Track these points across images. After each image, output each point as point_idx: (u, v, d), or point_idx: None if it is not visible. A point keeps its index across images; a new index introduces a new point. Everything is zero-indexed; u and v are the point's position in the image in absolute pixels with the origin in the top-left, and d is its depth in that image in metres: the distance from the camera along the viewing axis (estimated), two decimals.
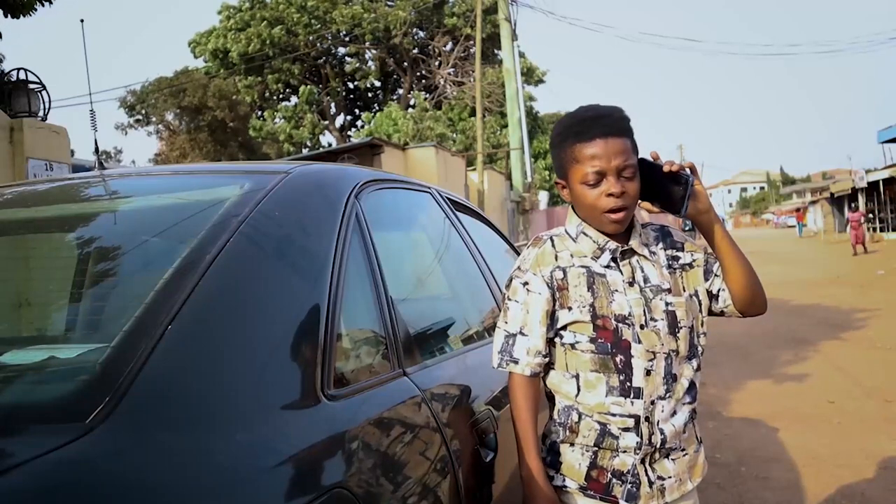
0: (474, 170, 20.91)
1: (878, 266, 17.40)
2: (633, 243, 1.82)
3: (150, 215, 1.78)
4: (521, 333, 1.79)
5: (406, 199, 2.37)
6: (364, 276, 1.71)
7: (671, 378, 1.78)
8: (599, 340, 1.76)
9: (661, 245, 1.88)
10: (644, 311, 1.77)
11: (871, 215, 33.57)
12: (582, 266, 1.79)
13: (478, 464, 1.76)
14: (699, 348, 1.87)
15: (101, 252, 1.70)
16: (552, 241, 1.85)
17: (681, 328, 1.80)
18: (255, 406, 1.20)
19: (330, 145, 29.75)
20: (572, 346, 1.78)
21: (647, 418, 1.75)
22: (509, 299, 1.83)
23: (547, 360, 1.80)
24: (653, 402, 1.75)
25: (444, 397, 1.75)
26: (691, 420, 1.85)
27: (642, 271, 1.81)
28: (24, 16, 6.86)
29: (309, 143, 30.72)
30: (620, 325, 1.76)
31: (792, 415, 5.65)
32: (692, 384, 1.85)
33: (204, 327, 1.21)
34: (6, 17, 6.74)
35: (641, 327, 1.76)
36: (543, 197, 27.42)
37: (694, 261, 1.89)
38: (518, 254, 3.30)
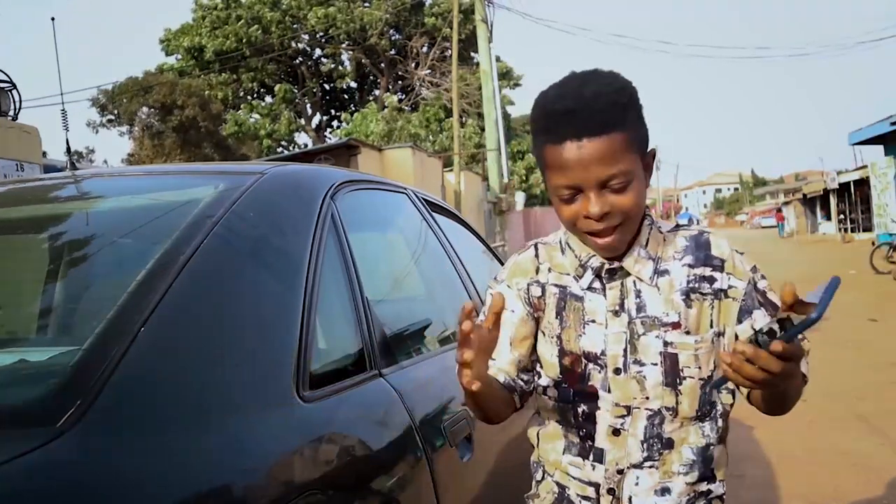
0: (451, 171, 20.92)
1: (849, 266, 17.63)
2: (628, 260, 1.36)
3: (123, 216, 1.76)
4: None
5: (382, 200, 2.37)
6: (339, 277, 1.70)
7: (658, 443, 1.36)
8: (563, 385, 1.41)
9: (687, 259, 1.37)
10: (625, 349, 1.35)
11: (842, 216, 34.05)
12: (557, 285, 1.42)
13: (454, 465, 1.75)
14: (719, 408, 1.40)
15: (73, 253, 1.68)
16: (537, 248, 1.49)
17: (685, 378, 1.34)
18: (228, 408, 1.19)
19: (306, 146, 29.65)
20: (544, 389, 1.45)
21: (611, 490, 1.38)
22: (483, 314, 1.43)
23: (520, 382, 1.45)
24: (620, 472, 1.37)
25: (420, 398, 1.74)
26: None
27: (637, 297, 1.36)
28: None
29: (286, 140, 30.62)
30: (591, 365, 1.37)
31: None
32: (704, 455, 1.38)
33: (177, 329, 1.20)
34: None
35: (616, 372, 1.35)
36: (520, 198, 27.47)
37: (730, 288, 1.36)
38: (494, 255, 3.31)
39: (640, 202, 1.31)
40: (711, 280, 1.36)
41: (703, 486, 1.39)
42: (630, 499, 1.37)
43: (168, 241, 1.35)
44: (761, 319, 1.33)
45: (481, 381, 1.19)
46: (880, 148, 26.14)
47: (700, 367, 1.35)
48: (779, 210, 50.07)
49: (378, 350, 1.72)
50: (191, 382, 1.17)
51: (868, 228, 29.34)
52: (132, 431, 1.03)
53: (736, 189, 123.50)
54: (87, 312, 1.42)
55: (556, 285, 1.42)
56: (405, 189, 2.52)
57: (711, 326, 1.36)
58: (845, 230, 32.77)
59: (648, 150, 1.35)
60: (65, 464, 0.93)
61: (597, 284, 1.39)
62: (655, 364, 1.34)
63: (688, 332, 1.34)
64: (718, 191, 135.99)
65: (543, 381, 1.44)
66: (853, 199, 32.57)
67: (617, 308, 1.36)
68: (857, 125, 44.30)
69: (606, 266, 1.37)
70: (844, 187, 32.47)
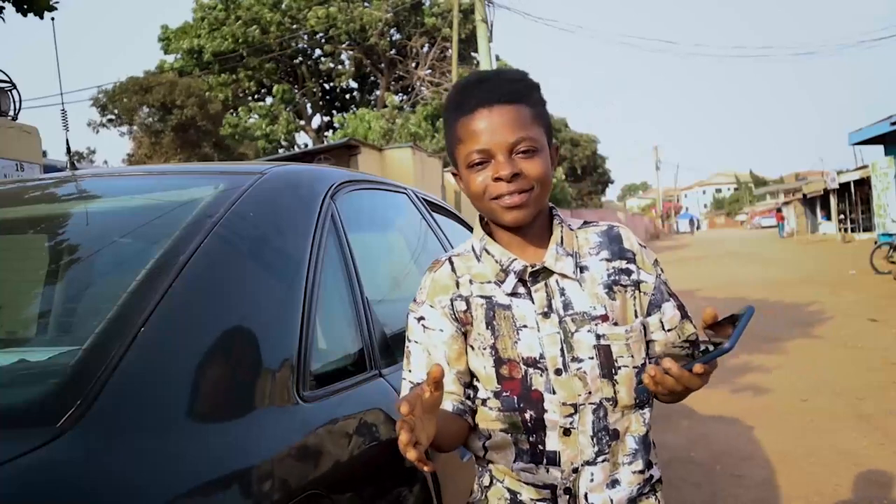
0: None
1: (850, 266, 17.64)
2: (549, 258, 1.38)
3: (123, 216, 1.77)
4: None
5: (382, 200, 2.37)
6: (340, 277, 1.70)
7: (606, 435, 1.37)
8: (504, 394, 1.38)
9: (603, 253, 1.42)
10: (561, 349, 1.35)
11: (842, 216, 34.05)
12: (482, 296, 1.40)
13: (454, 465, 1.76)
14: (652, 394, 1.41)
15: (73, 253, 1.68)
16: (451, 262, 1.46)
17: (619, 368, 1.37)
18: (228, 408, 1.19)
19: (306, 146, 29.66)
20: (483, 402, 1.41)
21: (567, 489, 1.37)
22: (409, 340, 1.46)
23: (468, 401, 1.43)
24: (575, 470, 1.36)
25: None
26: (646, 493, 1.43)
27: (562, 294, 1.37)
28: (38, 16, 6.80)
29: (284, 141, 30.62)
30: (531, 370, 1.36)
31: (765, 413, 5.70)
32: (644, 442, 1.42)
33: (177, 329, 1.20)
34: (21, 14, 6.70)
35: (557, 372, 1.35)
36: None
37: (642, 282, 1.42)
38: None
39: (547, 174, 1.35)
40: (629, 272, 1.42)
41: (647, 473, 1.42)
42: (586, 495, 1.38)
43: (168, 241, 1.35)
44: (669, 311, 1.43)
45: (432, 436, 1.15)
46: (880, 148, 26.14)
47: (633, 356, 1.38)
48: (779, 210, 49.96)
49: (378, 350, 1.72)
50: (191, 382, 1.17)
51: (868, 228, 29.36)
52: (132, 431, 1.03)
53: (736, 189, 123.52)
54: (87, 312, 1.42)
55: (480, 296, 1.41)
56: (405, 189, 2.52)
57: (636, 316, 1.41)
58: (845, 230, 32.77)
59: (553, 142, 1.42)
60: (65, 464, 0.93)
61: (521, 289, 1.39)
62: (592, 358, 1.36)
63: (615, 324, 1.38)
64: (718, 191, 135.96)
65: (482, 394, 1.42)
66: (853, 199, 32.58)
67: (546, 310, 1.37)
68: (857, 125, 44.33)
69: (529, 269, 1.38)
70: (845, 187, 32.47)
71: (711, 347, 1.22)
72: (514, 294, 1.38)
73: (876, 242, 18.27)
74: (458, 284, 1.43)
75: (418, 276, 2.44)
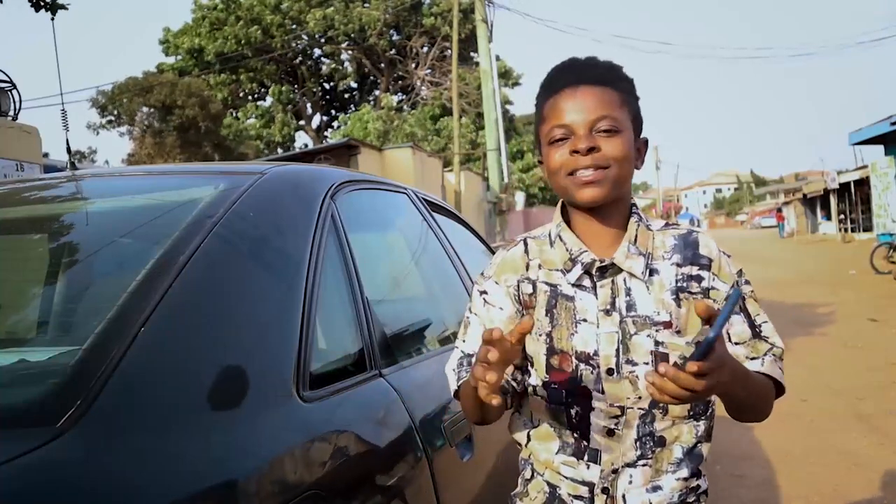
0: (451, 171, 20.92)
1: (850, 266, 17.64)
2: (619, 255, 1.35)
3: (124, 216, 1.76)
4: None
5: (382, 200, 2.37)
6: (340, 277, 1.70)
7: (651, 441, 1.35)
8: (553, 385, 1.37)
9: (675, 258, 1.36)
10: (617, 350, 1.33)
11: (842, 216, 34.04)
12: (547, 282, 1.39)
13: (454, 465, 1.75)
14: (711, 406, 1.40)
15: (73, 253, 1.68)
16: (526, 243, 1.45)
17: None
18: (229, 408, 1.19)
19: (306, 146, 29.66)
20: (534, 389, 1.41)
21: (605, 489, 1.36)
22: (469, 311, 1.47)
23: (513, 382, 1.42)
24: (615, 471, 1.36)
25: (420, 398, 1.74)
26: (689, 502, 1.40)
27: (627, 295, 1.34)
28: (52, 12, 6.84)
29: (281, 142, 30.63)
30: (582, 366, 1.34)
31: None
32: (693, 453, 1.39)
33: (177, 329, 1.20)
34: (34, 9, 6.75)
35: (609, 372, 1.33)
36: (520, 198, 27.50)
37: (712, 289, 1.35)
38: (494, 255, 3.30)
39: (627, 155, 1.32)
40: (699, 279, 1.35)
41: (693, 483, 1.39)
42: (623, 497, 1.36)
43: (168, 241, 1.35)
44: (738, 325, 1.35)
45: (497, 391, 1.16)
46: (880, 148, 26.15)
47: None
48: (779, 210, 49.91)
49: (378, 350, 1.72)
50: (191, 382, 1.17)
51: (868, 228, 29.34)
52: (132, 431, 1.03)
53: (736, 189, 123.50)
54: (87, 312, 1.42)
55: (546, 283, 1.39)
56: (405, 189, 2.52)
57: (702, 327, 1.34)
58: (845, 230, 32.76)
59: (642, 136, 1.40)
60: (65, 464, 0.93)
61: (586, 283, 1.36)
62: (647, 364, 1.31)
63: (678, 332, 1.33)
64: (718, 191, 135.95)
65: (533, 381, 1.41)
66: (853, 199, 32.56)
67: (608, 307, 1.34)
68: (857, 125, 44.30)
69: (598, 263, 1.34)
70: (845, 187, 32.46)
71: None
72: (579, 286, 1.36)
73: (877, 242, 18.27)
74: (527, 267, 1.41)
75: (418, 276, 2.46)
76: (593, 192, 1.30)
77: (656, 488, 1.36)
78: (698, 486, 1.41)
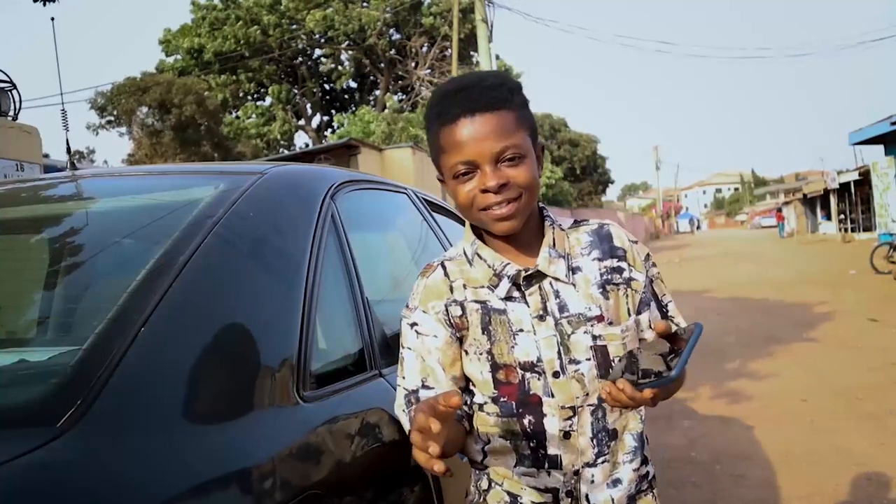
0: None
1: (850, 266, 17.63)
2: (542, 262, 1.37)
3: (124, 216, 1.76)
4: (426, 387, 1.39)
5: (382, 200, 2.37)
6: (340, 277, 1.70)
7: (605, 435, 1.38)
8: (502, 399, 1.37)
9: (595, 253, 1.41)
10: (559, 352, 1.35)
11: (842, 216, 34.04)
12: (476, 300, 1.38)
13: (454, 465, 1.75)
14: None
15: (73, 254, 1.68)
16: (444, 267, 1.43)
17: None
18: (229, 408, 1.19)
19: (306, 146, 29.67)
20: (480, 406, 1.41)
21: (569, 492, 1.38)
22: (402, 346, 1.44)
23: (465, 406, 1.42)
24: (577, 473, 1.37)
25: None
26: (644, 490, 1.44)
27: (557, 297, 1.36)
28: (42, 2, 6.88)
29: (280, 141, 30.64)
30: (528, 374, 1.35)
31: (766, 413, 5.70)
32: (641, 439, 1.43)
33: (177, 329, 1.20)
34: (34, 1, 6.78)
35: (556, 375, 1.34)
36: None
37: (632, 280, 1.41)
38: None
39: (534, 179, 1.33)
40: (620, 270, 1.41)
41: (643, 470, 1.44)
42: (587, 497, 1.38)
43: (168, 241, 1.35)
44: (654, 310, 1.44)
45: (446, 446, 1.18)
46: (880, 148, 26.13)
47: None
48: (779, 210, 49.91)
49: (378, 350, 1.72)
50: (191, 382, 1.17)
51: (868, 228, 29.35)
52: (132, 431, 1.03)
53: (736, 189, 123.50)
54: (87, 312, 1.42)
55: (475, 301, 1.38)
56: (405, 189, 2.52)
57: (630, 314, 1.40)
58: (846, 230, 32.75)
59: (538, 141, 1.39)
60: (65, 464, 0.93)
61: (515, 293, 1.37)
62: (588, 359, 1.35)
63: (611, 323, 1.37)
64: (718, 191, 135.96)
65: (479, 399, 1.41)
66: (853, 199, 32.56)
67: (541, 313, 1.36)
68: (857, 125, 44.32)
69: (523, 273, 1.36)
70: (845, 187, 32.45)
71: (665, 370, 1.18)
72: (508, 298, 1.37)
73: (878, 242, 18.27)
74: (451, 289, 1.40)
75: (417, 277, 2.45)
76: (511, 225, 1.33)
77: (616, 482, 1.40)
78: (647, 473, 1.45)
